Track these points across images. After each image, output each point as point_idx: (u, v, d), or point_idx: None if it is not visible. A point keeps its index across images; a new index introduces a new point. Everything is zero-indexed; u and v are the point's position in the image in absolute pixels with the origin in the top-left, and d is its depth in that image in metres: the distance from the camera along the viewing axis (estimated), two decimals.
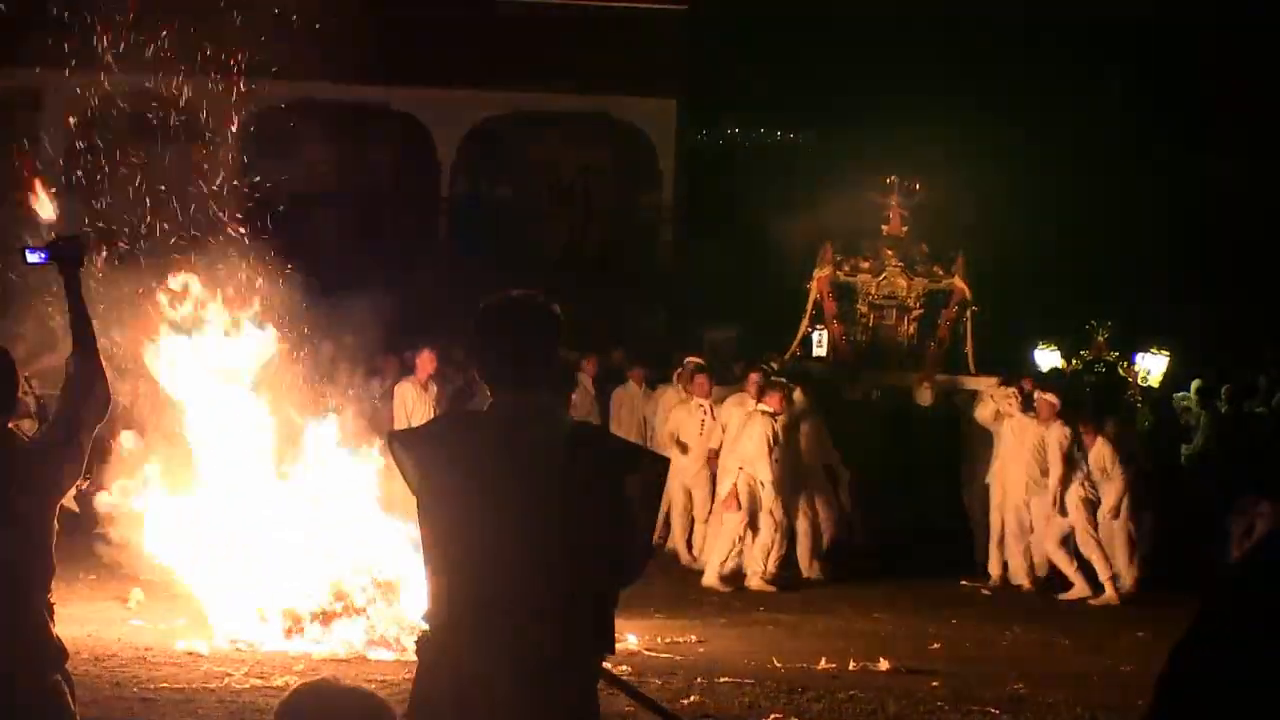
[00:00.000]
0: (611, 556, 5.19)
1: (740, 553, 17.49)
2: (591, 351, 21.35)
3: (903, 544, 19.54)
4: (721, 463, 17.63)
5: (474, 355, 5.34)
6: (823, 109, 36.18)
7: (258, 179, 16.63)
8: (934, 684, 12.72)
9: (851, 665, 13.25)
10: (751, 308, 22.72)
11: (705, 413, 18.52)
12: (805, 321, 20.74)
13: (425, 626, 5.19)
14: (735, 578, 17.41)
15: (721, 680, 12.42)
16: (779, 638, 14.70)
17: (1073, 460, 17.40)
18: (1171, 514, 21.30)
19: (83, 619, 13.93)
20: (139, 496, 13.96)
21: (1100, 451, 17.80)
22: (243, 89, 19.95)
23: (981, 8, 35.14)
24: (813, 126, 37.75)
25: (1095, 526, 17.42)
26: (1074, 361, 25.30)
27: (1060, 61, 35.86)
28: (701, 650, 13.93)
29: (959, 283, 20.46)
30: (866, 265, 20.70)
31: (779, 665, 13.20)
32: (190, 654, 12.61)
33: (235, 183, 15.77)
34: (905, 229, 20.96)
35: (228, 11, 17.13)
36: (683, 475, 18.44)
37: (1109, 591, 17.36)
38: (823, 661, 13.32)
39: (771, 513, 17.30)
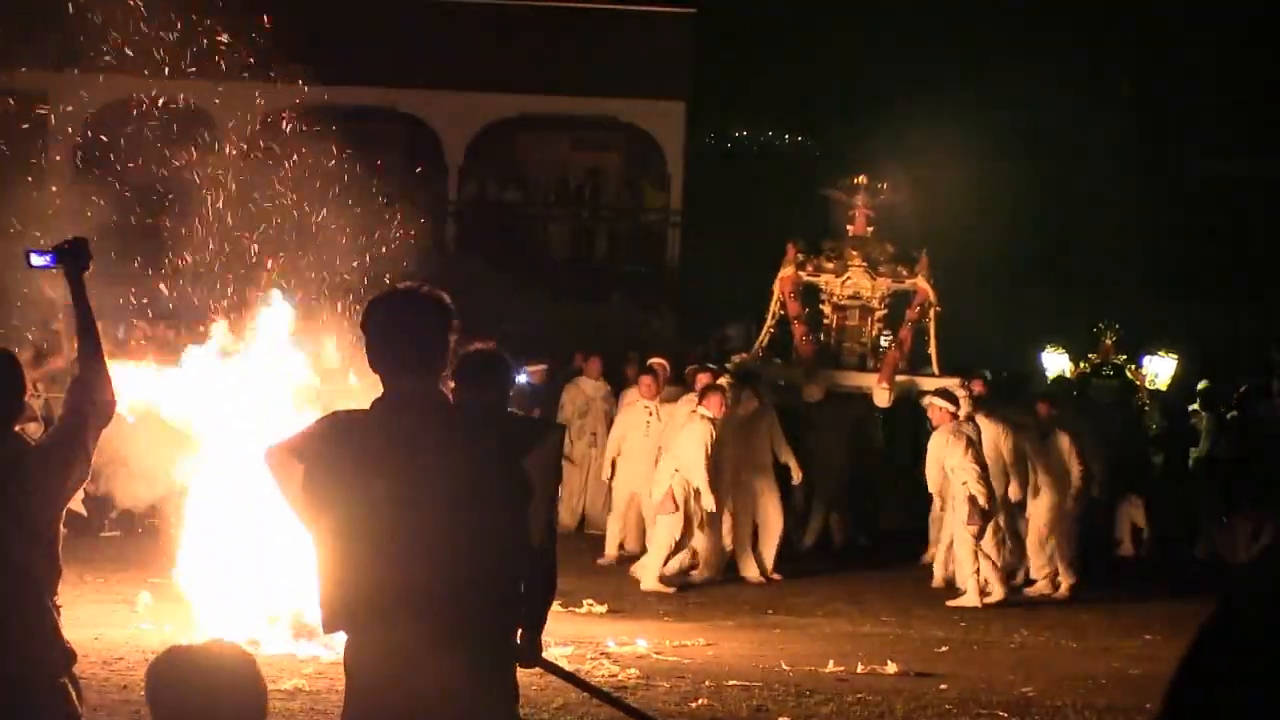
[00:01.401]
0: (517, 533, 5.28)
1: (678, 553, 17.64)
2: (596, 353, 21.29)
3: (901, 546, 19.57)
4: (660, 464, 17.66)
5: (366, 345, 5.45)
6: (830, 111, 36.20)
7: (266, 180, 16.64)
8: (942, 687, 12.72)
9: (859, 668, 13.24)
10: (759, 309, 22.69)
11: (650, 414, 18.60)
12: (770, 322, 20.71)
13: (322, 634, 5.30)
14: (675, 579, 17.48)
15: (729, 683, 12.42)
16: (786, 641, 14.68)
17: (961, 463, 17.08)
18: (1178, 517, 21.34)
19: (90, 622, 13.92)
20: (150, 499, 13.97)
21: (1058, 443, 17.90)
22: (250, 92, 19.93)
23: (990, 7, 35.15)
24: (820, 128, 37.76)
25: (979, 531, 17.19)
26: (1082, 364, 25.29)
27: (1068, 62, 35.86)
28: (709, 653, 13.92)
29: (922, 283, 20.37)
30: (830, 266, 20.64)
31: (787, 668, 13.19)
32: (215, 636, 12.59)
33: (243, 185, 15.78)
34: (871, 229, 20.88)
35: (233, 15, 17.14)
36: (629, 478, 18.58)
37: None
38: (830, 664, 13.31)
39: (705, 517, 17.39)
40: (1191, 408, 22.83)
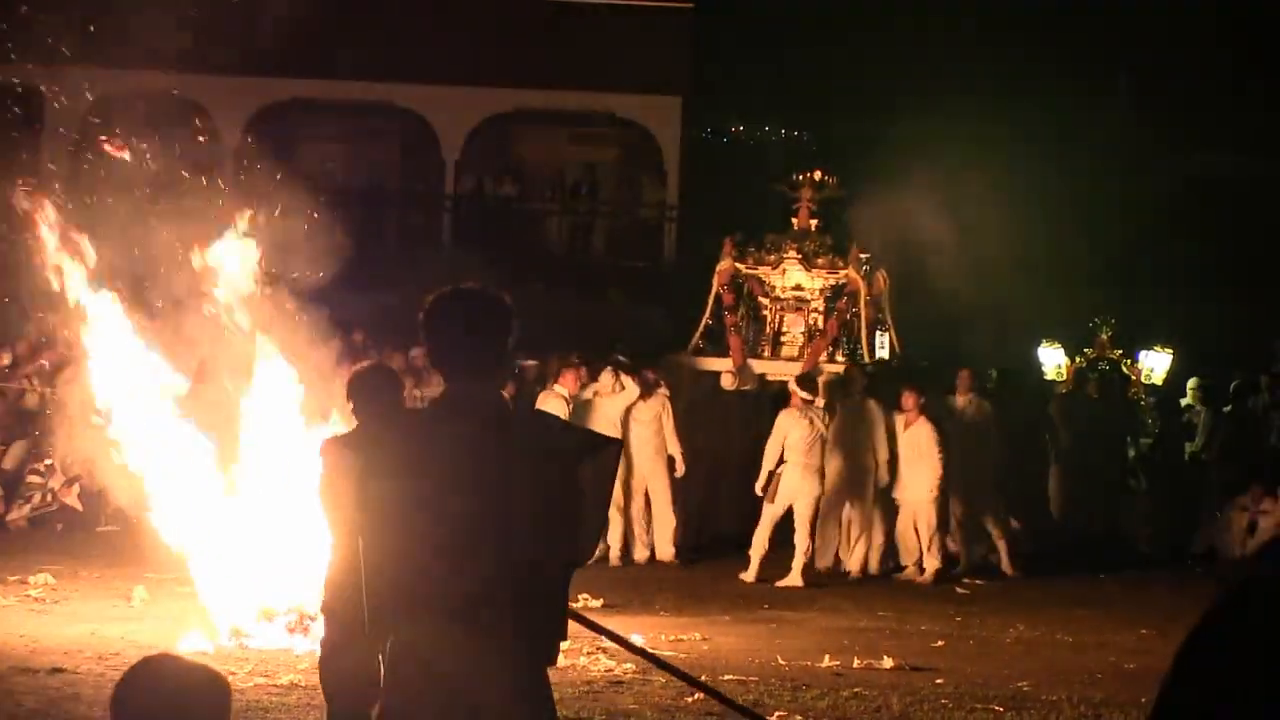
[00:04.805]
0: (562, 542, 5.25)
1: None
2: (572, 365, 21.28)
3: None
4: None
5: (425, 344, 5.42)
6: (827, 107, 36.16)
7: (261, 176, 16.62)
8: (938, 681, 12.72)
9: (855, 663, 13.26)
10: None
11: (567, 404, 18.83)
12: (706, 315, 21.07)
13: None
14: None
15: (726, 678, 12.42)
16: (783, 635, 14.70)
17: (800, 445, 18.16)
18: (1172, 510, 21.38)
19: (85, 617, 13.95)
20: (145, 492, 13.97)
21: (919, 430, 18.48)
22: (247, 86, 19.90)
23: (988, 4, 35.15)
24: (817, 124, 37.72)
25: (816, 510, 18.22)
26: (1077, 359, 25.32)
27: (1066, 58, 35.86)
28: (706, 648, 13.94)
29: (852, 274, 20.66)
30: (769, 259, 20.95)
31: (783, 663, 13.20)
32: (194, 653, 12.60)
33: (239, 180, 15.77)
34: (814, 222, 21.15)
35: (231, 9, 17.14)
36: None
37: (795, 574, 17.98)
38: (827, 659, 13.32)
39: None
40: (1185, 402, 22.85)
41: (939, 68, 33.98)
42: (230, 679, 11.48)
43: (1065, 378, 24.73)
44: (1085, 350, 25.44)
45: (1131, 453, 22.29)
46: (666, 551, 19.17)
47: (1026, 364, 25.60)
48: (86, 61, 18.25)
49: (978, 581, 18.43)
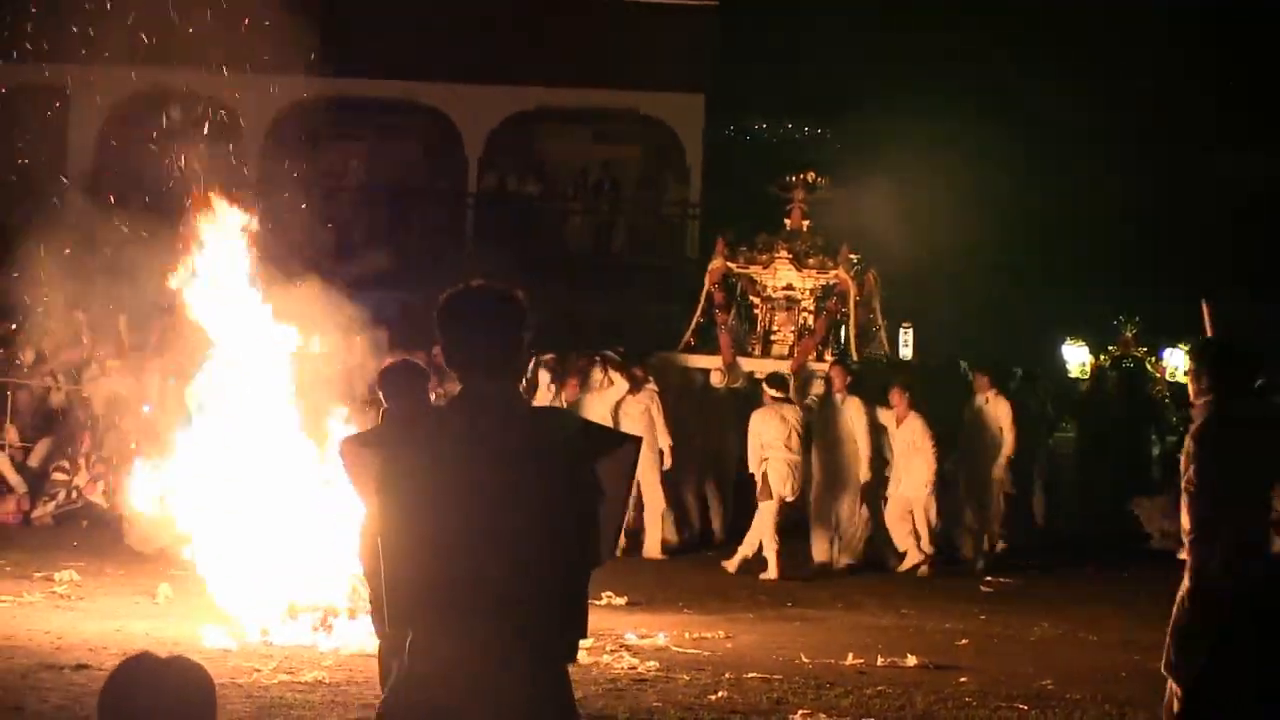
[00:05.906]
0: (583, 540, 5.22)
1: None
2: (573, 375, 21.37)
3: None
4: None
5: (439, 342, 5.40)
6: (850, 105, 36.17)
7: (288, 173, 16.65)
8: (961, 679, 12.71)
9: (879, 661, 13.24)
10: None
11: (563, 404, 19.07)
12: (698, 313, 21.27)
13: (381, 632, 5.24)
14: None
15: (749, 676, 12.42)
16: (806, 633, 14.69)
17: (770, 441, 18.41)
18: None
19: (110, 614, 13.99)
20: (167, 491, 14.02)
21: (911, 426, 18.63)
22: (270, 84, 19.89)
23: (1005, 5, 35.15)
24: (839, 122, 37.73)
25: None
26: (1101, 357, 25.29)
27: (1087, 58, 35.84)
28: (729, 646, 13.93)
29: (842, 274, 20.78)
30: (762, 258, 21.09)
31: (806, 661, 13.19)
32: (218, 649, 12.62)
33: (264, 178, 15.80)
34: (807, 223, 21.32)
35: (255, 8, 17.15)
36: None
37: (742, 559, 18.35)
38: (850, 657, 13.31)
39: None
40: None
41: (962, 70, 34.00)
42: (254, 676, 11.53)
43: (1088, 375, 24.73)
44: (1110, 348, 25.42)
45: (1155, 450, 22.26)
46: (654, 549, 19.19)
47: (1045, 362, 25.59)
48: (109, 60, 18.30)
49: (1001, 579, 18.43)
